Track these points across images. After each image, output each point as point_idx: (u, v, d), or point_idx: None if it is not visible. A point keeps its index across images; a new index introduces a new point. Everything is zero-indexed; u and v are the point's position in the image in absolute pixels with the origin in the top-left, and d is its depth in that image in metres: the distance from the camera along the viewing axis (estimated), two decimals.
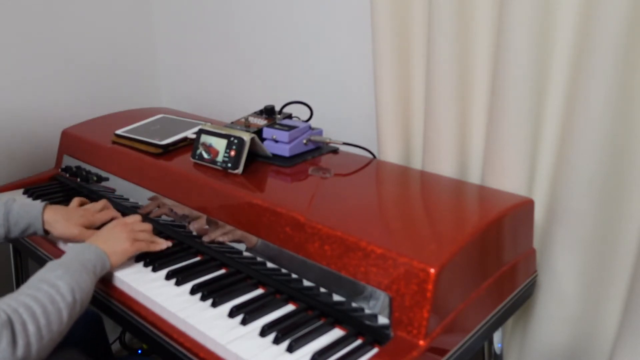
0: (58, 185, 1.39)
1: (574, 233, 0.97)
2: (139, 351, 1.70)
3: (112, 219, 1.08)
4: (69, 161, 1.41)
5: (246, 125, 1.19)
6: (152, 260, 0.99)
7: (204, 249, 1.03)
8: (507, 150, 1.00)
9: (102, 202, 1.13)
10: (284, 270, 0.90)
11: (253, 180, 1.05)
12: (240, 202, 0.98)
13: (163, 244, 1.01)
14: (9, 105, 1.51)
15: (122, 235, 0.96)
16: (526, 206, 0.96)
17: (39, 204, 1.05)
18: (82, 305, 0.82)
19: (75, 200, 1.16)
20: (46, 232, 1.04)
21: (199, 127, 1.16)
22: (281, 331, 0.78)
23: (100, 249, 0.91)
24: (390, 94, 1.14)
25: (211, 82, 1.74)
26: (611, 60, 0.84)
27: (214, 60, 1.70)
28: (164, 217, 1.13)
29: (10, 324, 0.70)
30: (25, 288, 0.77)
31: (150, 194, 1.16)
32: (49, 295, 0.76)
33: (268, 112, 1.24)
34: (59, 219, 1.03)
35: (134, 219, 1.02)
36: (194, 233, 1.05)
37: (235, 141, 1.08)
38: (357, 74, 1.34)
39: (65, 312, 0.77)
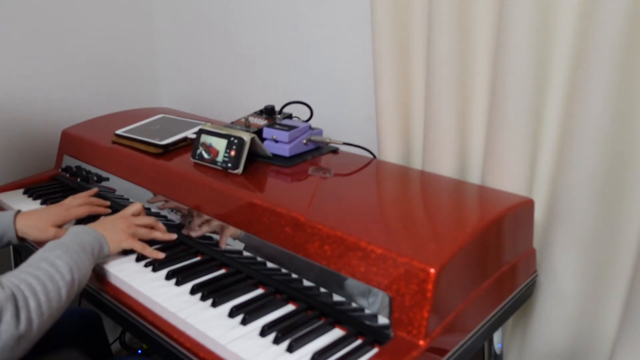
0: (58, 185, 1.39)
1: (574, 233, 0.97)
2: (139, 351, 1.70)
3: (89, 215, 1.11)
4: (69, 161, 1.41)
5: (246, 125, 1.19)
6: (152, 260, 0.99)
7: (204, 249, 1.03)
8: (507, 150, 1.00)
9: (82, 197, 1.14)
10: (284, 270, 0.90)
11: (253, 180, 1.05)
12: (240, 202, 0.98)
13: (156, 255, 0.99)
14: (9, 105, 1.51)
15: (123, 226, 0.99)
16: (526, 206, 0.96)
17: (10, 212, 1.04)
18: (79, 285, 0.84)
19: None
20: (21, 239, 1.04)
21: (199, 127, 1.16)
22: (281, 331, 0.78)
23: (99, 233, 0.94)
24: (390, 94, 1.14)
25: (211, 82, 1.74)
26: (611, 60, 0.84)
27: (214, 60, 1.70)
28: (163, 217, 1.13)
29: (15, 299, 0.72)
30: (25, 266, 0.80)
31: (151, 193, 1.16)
32: (49, 274, 0.79)
33: (268, 112, 1.24)
34: (31, 225, 1.03)
35: (135, 209, 1.04)
36: (194, 233, 1.05)
37: (235, 141, 1.08)
38: (357, 74, 1.34)
39: (64, 290, 0.79)
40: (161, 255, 0.99)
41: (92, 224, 0.98)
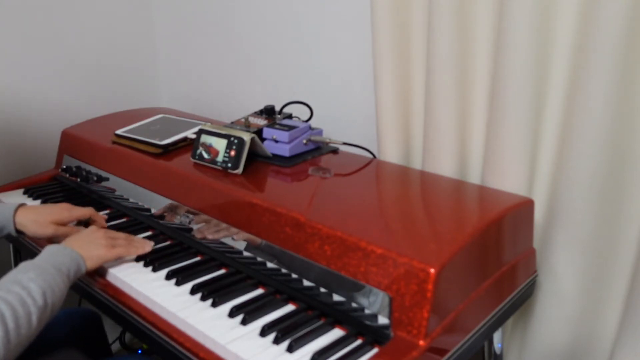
0: (58, 185, 1.38)
1: (574, 233, 0.97)
2: (139, 351, 1.70)
3: (90, 217, 1.08)
4: (69, 161, 1.41)
5: (246, 125, 1.19)
6: (152, 260, 0.99)
7: (204, 249, 1.03)
8: (507, 150, 1.00)
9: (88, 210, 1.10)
10: (284, 270, 0.90)
11: (253, 180, 1.05)
12: (240, 202, 0.98)
13: (145, 248, 0.99)
14: (9, 105, 1.51)
15: (101, 241, 0.94)
16: (526, 206, 0.96)
17: (12, 204, 1.04)
18: (53, 309, 0.80)
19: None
20: (19, 232, 1.03)
21: (199, 127, 1.16)
22: (281, 331, 0.78)
23: (76, 253, 0.89)
24: (390, 94, 1.14)
25: (211, 82, 1.74)
26: (611, 60, 0.84)
27: (214, 60, 1.70)
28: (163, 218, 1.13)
29: None
30: None
31: (151, 193, 1.16)
32: (20, 298, 0.75)
33: (268, 112, 1.24)
34: (31, 218, 1.02)
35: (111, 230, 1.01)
36: (194, 233, 1.05)
37: (235, 141, 1.08)
38: (357, 74, 1.34)
39: (35, 316, 0.76)
40: (147, 248, 0.99)
41: (68, 240, 0.93)
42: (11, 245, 1.41)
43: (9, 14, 1.47)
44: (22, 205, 1.05)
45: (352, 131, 1.38)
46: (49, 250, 0.88)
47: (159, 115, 1.43)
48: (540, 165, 1.02)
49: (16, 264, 1.40)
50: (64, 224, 1.04)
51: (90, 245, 0.93)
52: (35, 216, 1.02)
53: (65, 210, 1.05)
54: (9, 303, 0.74)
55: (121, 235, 1.00)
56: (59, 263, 0.85)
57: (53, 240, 1.02)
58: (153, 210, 1.15)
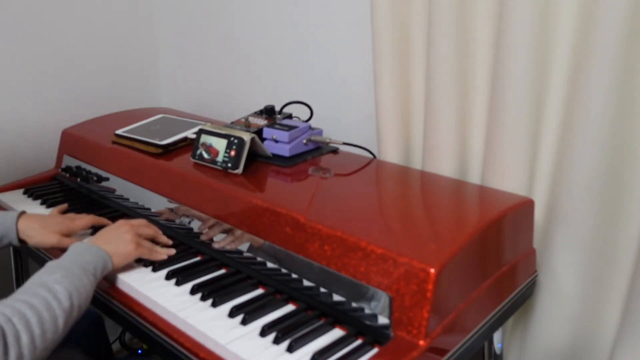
0: (58, 185, 1.39)
1: (574, 233, 0.97)
2: (139, 351, 1.70)
3: (92, 226, 1.06)
4: (69, 161, 1.41)
5: (246, 125, 1.19)
6: (152, 260, 0.99)
7: (204, 249, 1.03)
8: (507, 150, 1.00)
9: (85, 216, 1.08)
10: (284, 270, 0.90)
11: (253, 180, 1.05)
12: (240, 202, 0.98)
13: (164, 254, 0.98)
14: (9, 106, 1.51)
15: (127, 236, 0.93)
16: (526, 206, 0.96)
17: (13, 213, 1.02)
18: (79, 310, 0.79)
19: (55, 209, 1.13)
20: (22, 241, 1.01)
21: (199, 127, 1.16)
22: (281, 331, 0.78)
23: (102, 250, 0.89)
24: (390, 94, 1.14)
25: (211, 82, 1.74)
26: (611, 61, 0.84)
27: (214, 60, 1.70)
28: (165, 219, 1.13)
29: (3, 335, 0.67)
30: (22, 293, 0.75)
31: (151, 193, 1.16)
32: (46, 302, 0.74)
33: (268, 112, 1.24)
34: (35, 227, 1.00)
35: (140, 222, 1.00)
36: (194, 233, 1.05)
37: (235, 141, 1.08)
38: (357, 74, 1.34)
39: (61, 319, 0.75)
40: (171, 252, 0.99)
41: (95, 238, 0.93)
42: (11, 247, 1.40)
43: (9, 14, 1.47)
44: (23, 213, 1.03)
45: (352, 131, 1.38)
46: (75, 249, 0.87)
47: (159, 115, 1.43)
48: (540, 165, 1.02)
49: (16, 266, 1.41)
50: (67, 235, 1.02)
51: (117, 242, 0.92)
52: (39, 225, 1.00)
53: (69, 221, 1.04)
54: (35, 307, 0.72)
55: (151, 231, 1.00)
56: (86, 262, 0.84)
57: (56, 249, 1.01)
58: (153, 210, 1.15)
